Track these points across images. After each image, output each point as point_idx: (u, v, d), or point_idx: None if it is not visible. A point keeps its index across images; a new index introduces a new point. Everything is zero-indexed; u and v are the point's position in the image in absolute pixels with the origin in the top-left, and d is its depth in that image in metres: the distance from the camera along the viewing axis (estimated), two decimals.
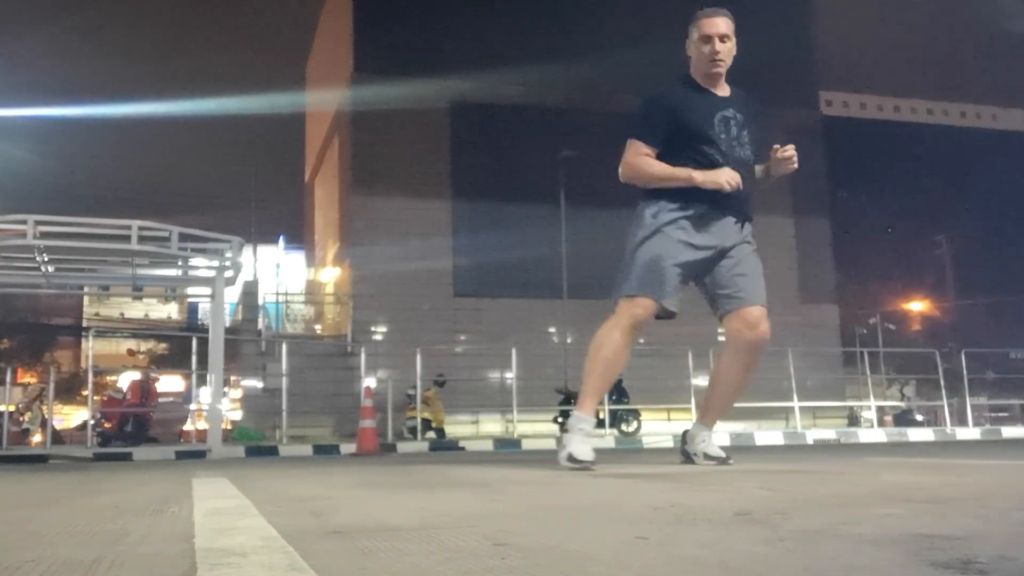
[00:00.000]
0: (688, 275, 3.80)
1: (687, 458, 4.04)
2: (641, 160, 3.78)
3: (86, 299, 36.22)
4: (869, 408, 15.85)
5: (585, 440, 3.67)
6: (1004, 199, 32.00)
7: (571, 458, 3.59)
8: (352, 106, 17.29)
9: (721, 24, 3.78)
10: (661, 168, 3.74)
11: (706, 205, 3.71)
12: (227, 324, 13.09)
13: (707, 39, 3.76)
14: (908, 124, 34.99)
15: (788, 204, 18.83)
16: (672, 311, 3.78)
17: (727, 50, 3.79)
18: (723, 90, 3.88)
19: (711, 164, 3.70)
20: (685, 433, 4.17)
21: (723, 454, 3.99)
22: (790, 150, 3.87)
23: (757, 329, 3.78)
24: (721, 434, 10.84)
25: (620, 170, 3.85)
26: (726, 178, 3.62)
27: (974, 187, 32.15)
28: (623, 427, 13.11)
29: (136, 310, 39.97)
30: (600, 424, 12.08)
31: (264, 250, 30.75)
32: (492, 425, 14.99)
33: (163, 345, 31.84)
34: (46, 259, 9.80)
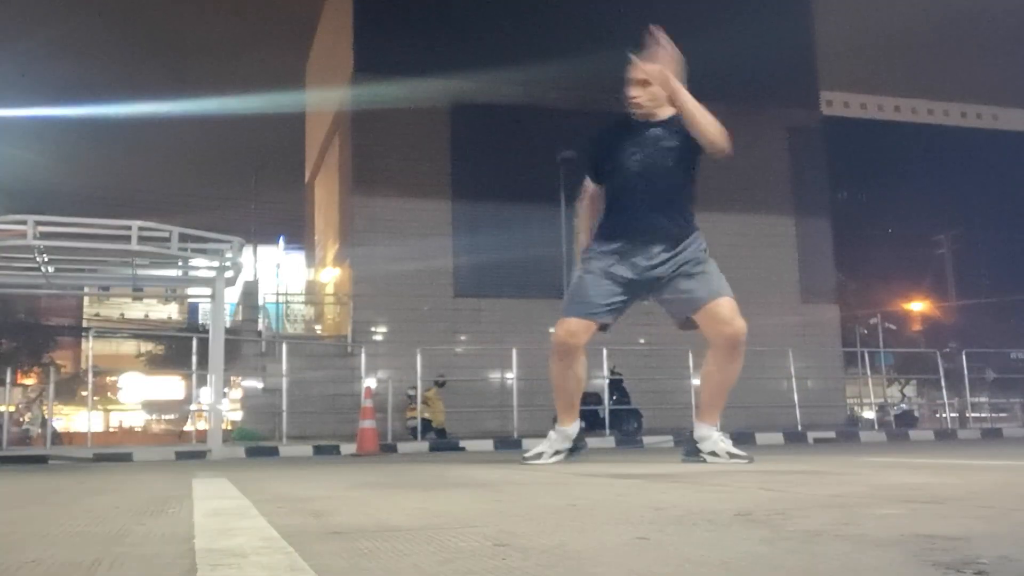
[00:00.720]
0: (619, 295, 4.10)
1: (693, 456, 4.09)
2: (581, 207, 4.41)
3: (86, 299, 36.27)
4: (870, 407, 15.85)
5: (550, 444, 4.29)
6: (1004, 199, 32.01)
7: (524, 451, 4.48)
8: (352, 106, 17.28)
9: (640, 70, 4.06)
10: (579, 224, 4.41)
11: (623, 240, 4.05)
12: (227, 324, 13.09)
13: (627, 83, 4.08)
14: (908, 124, 35.01)
15: (788, 204, 18.84)
16: (606, 324, 4.21)
17: (648, 95, 4.03)
18: (662, 115, 4.07)
19: (631, 190, 4.03)
20: (691, 434, 4.23)
21: (740, 452, 4.05)
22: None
23: (732, 323, 3.95)
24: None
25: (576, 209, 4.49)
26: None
27: (974, 187, 32.17)
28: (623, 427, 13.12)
29: (136, 310, 40.02)
30: (600, 425, 12.11)
31: (264, 250, 30.77)
32: (492, 425, 14.97)
33: (163, 346, 31.83)
34: (46, 259, 9.79)
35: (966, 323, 27.22)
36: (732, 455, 4.01)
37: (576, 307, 4.11)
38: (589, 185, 4.35)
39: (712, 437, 4.08)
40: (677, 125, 3.97)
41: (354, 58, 17.29)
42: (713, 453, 4.03)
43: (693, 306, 4.00)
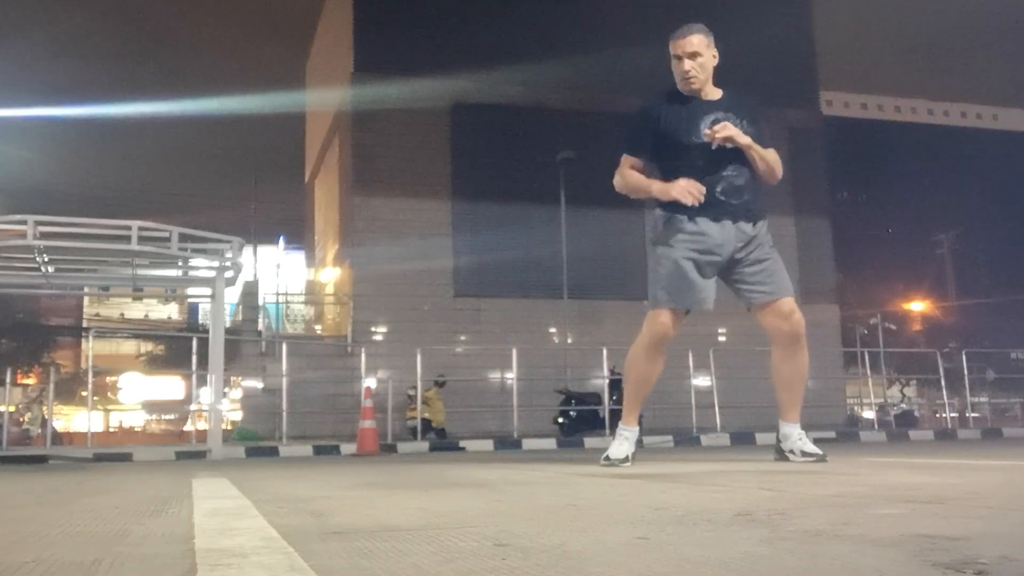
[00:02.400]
0: (708, 279, 3.94)
1: (781, 456, 4.08)
2: (624, 172, 4.03)
3: (86, 299, 36.27)
4: (870, 407, 15.83)
5: (622, 443, 4.07)
6: (1004, 199, 32.01)
7: (605, 458, 4.03)
8: (352, 106, 17.28)
9: (689, 43, 3.91)
10: (635, 180, 4.00)
11: (700, 212, 3.84)
12: (227, 324, 13.09)
13: (679, 59, 3.93)
14: (908, 124, 35.00)
15: (788, 204, 18.82)
16: (705, 308, 4.00)
17: (698, 66, 3.91)
18: (713, 95, 4.00)
19: (694, 170, 3.84)
20: (778, 432, 4.18)
21: (819, 451, 3.99)
22: (719, 131, 3.81)
23: (791, 320, 4.00)
24: (722, 435, 10.84)
25: (614, 182, 4.12)
26: (678, 191, 3.78)
27: (974, 187, 32.16)
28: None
29: (136, 310, 40.01)
30: (600, 425, 12.09)
31: (264, 250, 30.77)
32: (492, 425, 14.97)
33: (163, 346, 31.83)
34: (46, 259, 9.78)
35: (966, 323, 27.21)
36: (804, 453, 3.96)
37: (675, 297, 3.89)
38: (629, 160, 4.03)
39: (791, 436, 4.04)
40: (732, 106, 3.93)
41: (354, 58, 17.29)
42: (792, 452, 4.01)
43: (758, 300, 4.00)
